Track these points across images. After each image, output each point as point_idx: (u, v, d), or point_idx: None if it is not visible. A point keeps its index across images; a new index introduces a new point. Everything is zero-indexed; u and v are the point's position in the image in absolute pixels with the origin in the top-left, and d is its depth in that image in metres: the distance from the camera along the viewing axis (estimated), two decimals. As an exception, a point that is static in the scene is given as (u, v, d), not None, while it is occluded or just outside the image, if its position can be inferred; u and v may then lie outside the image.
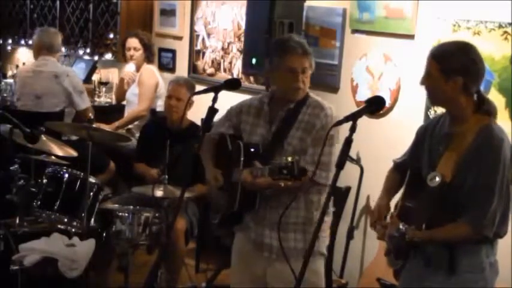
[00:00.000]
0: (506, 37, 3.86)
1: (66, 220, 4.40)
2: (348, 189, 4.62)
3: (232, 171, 3.30)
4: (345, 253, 4.67)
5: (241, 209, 3.29)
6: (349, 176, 4.60)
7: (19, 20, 8.21)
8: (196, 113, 4.59)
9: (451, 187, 2.69)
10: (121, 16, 6.79)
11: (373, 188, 4.45)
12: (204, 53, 6.33)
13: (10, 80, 7.20)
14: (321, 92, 4.21)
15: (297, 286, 2.48)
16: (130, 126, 5.92)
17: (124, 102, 6.23)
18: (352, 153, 4.60)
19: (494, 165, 2.67)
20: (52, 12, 7.67)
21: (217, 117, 3.08)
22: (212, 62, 6.24)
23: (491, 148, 2.68)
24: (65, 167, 4.54)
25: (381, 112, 4.34)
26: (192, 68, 6.44)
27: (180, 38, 6.59)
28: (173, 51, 6.67)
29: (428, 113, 4.23)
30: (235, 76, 5.90)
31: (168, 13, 6.66)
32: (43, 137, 4.30)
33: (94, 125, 4.56)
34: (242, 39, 5.62)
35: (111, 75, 7.04)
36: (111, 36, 6.99)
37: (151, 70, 6.00)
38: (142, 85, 5.91)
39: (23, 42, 8.13)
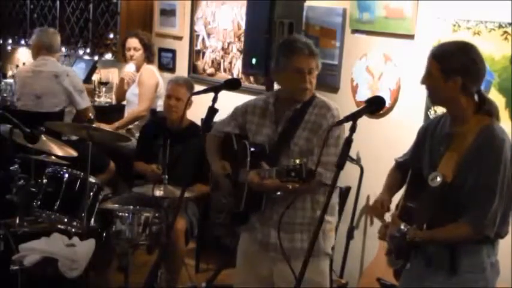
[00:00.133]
0: (506, 37, 3.86)
1: (66, 220, 4.40)
2: (348, 189, 4.63)
3: (237, 170, 3.30)
4: (345, 253, 4.67)
5: (247, 210, 3.29)
6: (349, 176, 4.61)
7: (19, 20, 8.20)
8: (196, 113, 4.59)
9: (452, 187, 2.69)
10: (121, 16, 6.79)
11: (373, 188, 4.45)
12: (204, 53, 6.33)
13: (10, 80, 7.20)
14: (321, 92, 4.19)
15: (297, 286, 2.48)
16: (130, 126, 5.92)
17: (124, 102, 6.24)
18: (352, 153, 4.61)
19: (495, 165, 2.67)
20: (52, 12, 7.67)
21: (217, 117, 3.07)
22: (212, 62, 6.24)
23: (493, 148, 2.68)
24: (65, 167, 4.54)
25: (381, 112, 4.34)
26: (192, 68, 6.44)
27: (180, 38, 6.59)
28: (173, 51, 6.67)
29: (428, 113, 4.22)
30: (235, 76, 5.90)
31: (168, 13, 6.67)
32: (43, 137, 4.30)
33: (94, 125, 4.56)
34: (242, 39, 5.63)
35: (111, 75, 7.04)
36: (111, 36, 6.98)
37: (151, 70, 6.00)
38: (142, 85, 5.91)
39: (23, 42, 8.13)
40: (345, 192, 4.53)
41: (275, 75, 3.39)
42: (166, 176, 4.22)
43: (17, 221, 4.34)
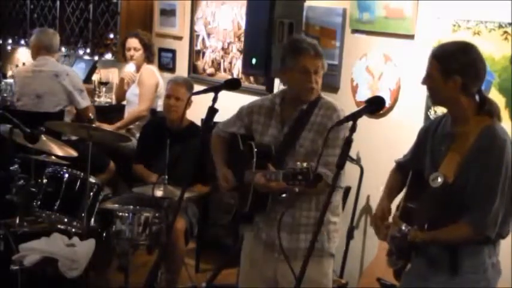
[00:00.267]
0: (506, 37, 3.86)
1: (66, 220, 4.41)
2: (348, 189, 4.63)
3: (243, 171, 3.30)
4: (345, 253, 4.67)
5: (252, 210, 3.30)
6: (349, 176, 4.60)
7: (19, 20, 8.20)
8: (196, 113, 4.59)
9: (453, 188, 2.68)
10: (121, 16, 6.79)
11: (373, 188, 4.46)
12: (204, 53, 6.33)
13: (10, 80, 7.20)
14: (321, 92, 4.20)
15: (297, 286, 2.48)
16: (131, 126, 5.92)
17: (124, 102, 6.23)
18: (352, 153, 4.60)
19: (496, 166, 2.66)
20: (52, 12, 7.66)
21: (217, 117, 3.06)
22: (212, 62, 6.24)
23: (494, 149, 2.68)
24: (65, 167, 4.54)
25: (381, 112, 4.34)
26: (192, 68, 6.44)
27: (180, 38, 6.59)
28: (173, 51, 6.67)
29: (428, 113, 4.22)
30: (235, 76, 5.90)
31: (168, 13, 6.66)
32: (43, 137, 4.30)
33: (95, 125, 4.56)
34: (242, 39, 5.63)
35: (111, 75, 7.04)
36: (111, 36, 6.98)
37: (151, 70, 6.00)
38: (142, 85, 5.91)
39: (23, 42, 8.12)
40: (345, 192, 4.53)
41: (281, 76, 3.38)
42: (166, 176, 4.22)
43: (17, 221, 4.35)
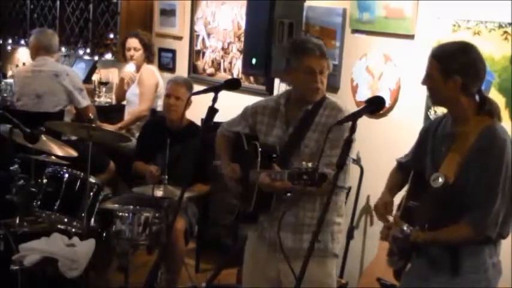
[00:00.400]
0: (506, 37, 3.86)
1: (66, 220, 4.41)
2: (348, 189, 4.62)
3: (247, 171, 3.30)
4: (345, 253, 4.67)
5: (256, 210, 3.30)
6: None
7: (19, 20, 8.20)
8: (196, 113, 4.59)
9: (454, 188, 2.68)
10: (121, 16, 6.79)
11: (373, 188, 4.45)
12: (204, 53, 6.33)
13: (10, 80, 7.19)
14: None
15: (297, 286, 2.48)
16: (131, 126, 5.92)
17: (124, 102, 6.23)
18: (352, 153, 4.60)
19: (497, 166, 2.66)
20: (52, 12, 7.66)
21: (217, 118, 3.06)
22: (212, 62, 6.24)
23: (494, 149, 2.68)
24: (65, 167, 4.54)
25: (381, 112, 4.34)
26: (192, 68, 6.44)
27: (180, 38, 6.59)
28: (173, 51, 6.67)
29: (428, 113, 4.22)
30: (235, 76, 5.90)
31: (168, 13, 6.67)
32: (43, 137, 4.30)
33: (95, 125, 4.56)
34: (242, 39, 5.63)
35: (111, 75, 7.04)
36: (111, 36, 6.98)
37: (151, 70, 6.00)
38: (142, 85, 5.91)
39: (23, 42, 8.12)
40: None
41: (286, 76, 3.38)
42: (166, 176, 4.22)
43: (17, 221, 4.35)
